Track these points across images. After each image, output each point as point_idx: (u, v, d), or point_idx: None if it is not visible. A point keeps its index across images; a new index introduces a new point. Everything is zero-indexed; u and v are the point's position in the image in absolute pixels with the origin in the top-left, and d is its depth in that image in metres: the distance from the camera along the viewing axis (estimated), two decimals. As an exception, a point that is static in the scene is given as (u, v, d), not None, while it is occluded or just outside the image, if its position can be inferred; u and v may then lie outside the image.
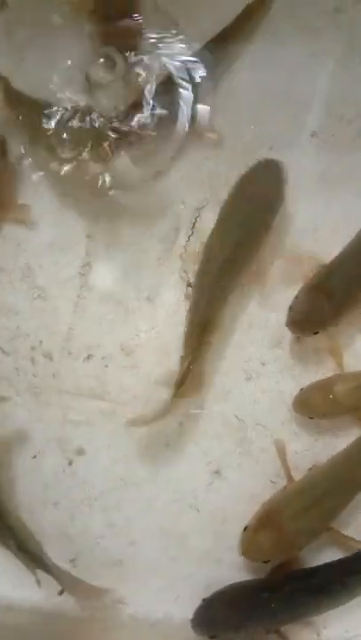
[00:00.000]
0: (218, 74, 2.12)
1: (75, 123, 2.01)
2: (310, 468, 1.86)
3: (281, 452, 1.88)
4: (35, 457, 1.94)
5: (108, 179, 2.00)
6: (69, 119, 2.01)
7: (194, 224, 2.04)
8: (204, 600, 1.80)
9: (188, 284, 2.01)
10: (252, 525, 1.78)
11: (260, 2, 2.13)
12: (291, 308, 1.88)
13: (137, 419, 1.85)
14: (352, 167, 2.06)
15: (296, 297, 1.89)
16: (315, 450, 1.90)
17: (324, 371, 1.94)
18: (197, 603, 1.83)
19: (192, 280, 2.00)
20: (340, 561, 1.82)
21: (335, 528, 1.83)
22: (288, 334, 1.96)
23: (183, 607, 1.85)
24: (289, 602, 1.78)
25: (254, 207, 1.91)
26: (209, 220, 2.02)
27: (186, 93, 2.09)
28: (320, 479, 1.81)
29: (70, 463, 1.94)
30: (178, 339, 1.95)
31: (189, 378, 1.84)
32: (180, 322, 1.97)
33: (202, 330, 1.86)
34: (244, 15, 2.13)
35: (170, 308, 2.00)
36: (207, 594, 1.83)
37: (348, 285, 1.89)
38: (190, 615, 1.81)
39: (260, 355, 1.97)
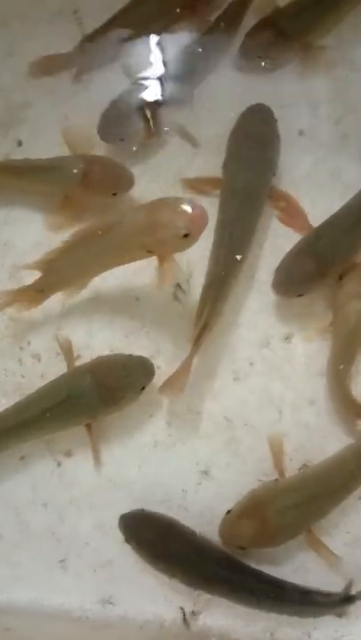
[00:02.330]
0: (204, 69, 2.13)
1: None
2: (300, 468, 1.87)
3: (277, 446, 1.88)
4: (22, 458, 1.93)
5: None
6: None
7: (182, 223, 2.05)
8: (143, 511, 1.82)
9: (177, 285, 2.01)
10: (237, 511, 1.78)
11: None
12: (276, 270, 1.91)
13: (165, 387, 1.82)
14: (338, 167, 2.07)
15: (283, 260, 1.92)
16: (304, 451, 1.90)
17: (312, 372, 1.95)
18: (187, 604, 1.83)
19: (181, 281, 2.01)
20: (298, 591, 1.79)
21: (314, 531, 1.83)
22: (276, 335, 1.98)
23: (173, 608, 1.84)
24: (224, 586, 1.79)
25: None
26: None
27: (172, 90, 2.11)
28: (313, 479, 1.81)
29: (59, 465, 1.93)
30: (167, 339, 1.97)
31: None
32: (169, 322, 1.99)
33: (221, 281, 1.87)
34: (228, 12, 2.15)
35: (159, 309, 2.00)
36: (197, 596, 1.83)
37: (334, 249, 1.91)
38: (180, 617, 1.82)
39: (249, 355, 1.97)
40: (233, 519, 1.78)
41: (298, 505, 1.78)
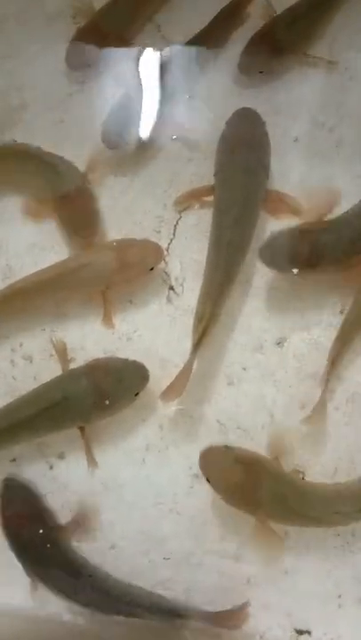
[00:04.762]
0: (199, 76, 2.14)
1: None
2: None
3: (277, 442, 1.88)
4: (14, 460, 1.93)
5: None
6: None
7: (176, 227, 2.05)
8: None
9: (170, 288, 2.02)
10: (238, 456, 1.77)
11: (237, 6, 2.16)
12: (268, 245, 1.90)
13: (166, 392, 1.82)
14: (333, 174, 2.08)
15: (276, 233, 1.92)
16: (295, 454, 1.89)
17: (304, 376, 1.95)
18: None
19: (174, 283, 2.02)
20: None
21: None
22: (269, 339, 1.98)
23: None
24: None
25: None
26: (191, 224, 2.05)
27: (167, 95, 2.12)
28: (314, 493, 1.80)
29: (51, 467, 1.93)
30: (160, 343, 1.98)
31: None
32: (162, 325, 1.99)
33: (220, 285, 1.87)
34: (222, 19, 2.16)
35: (152, 312, 2.00)
36: (187, 598, 1.85)
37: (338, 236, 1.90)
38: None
39: (242, 359, 1.97)
40: (230, 460, 1.75)
41: (288, 501, 1.76)
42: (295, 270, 1.90)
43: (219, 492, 1.78)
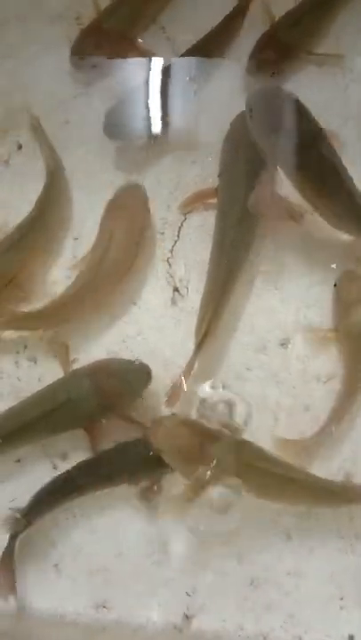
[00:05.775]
0: (203, 77, 2.14)
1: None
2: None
3: None
4: (18, 461, 1.93)
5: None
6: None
7: (180, 228, 2.06)
8: None
9: (175, 289, 2.02)
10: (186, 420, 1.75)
11: (241, 9, 2.16)
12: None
13: (172, 394, 1.83)
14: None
15: None
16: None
17: (308, 377, 1.95)
18: (180, 609, 1.84)
19: (178, 285, 2.02)
20: None
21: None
22: (273, 339, 1.98)
23: (166, 613, 1.85)
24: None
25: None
26: (195, 225, 2.05)
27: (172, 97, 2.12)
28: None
29: (55, 468, 1.93)
30: (164, 345, 1.98)
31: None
32: (166, 327, 1.99)
33: (223, 286, 1.87)
34: (228, 20, 2.17)
35: (156, 313, 2.01)
36: (191, 600, 1.85)
37: None
38: (172, 621, 1.83)
39: (245, 360, 1.97)
40: (175, 422, 1.72)
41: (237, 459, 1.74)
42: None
43: (167, 456, 1.73)
